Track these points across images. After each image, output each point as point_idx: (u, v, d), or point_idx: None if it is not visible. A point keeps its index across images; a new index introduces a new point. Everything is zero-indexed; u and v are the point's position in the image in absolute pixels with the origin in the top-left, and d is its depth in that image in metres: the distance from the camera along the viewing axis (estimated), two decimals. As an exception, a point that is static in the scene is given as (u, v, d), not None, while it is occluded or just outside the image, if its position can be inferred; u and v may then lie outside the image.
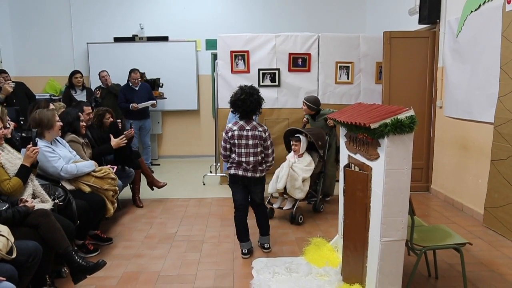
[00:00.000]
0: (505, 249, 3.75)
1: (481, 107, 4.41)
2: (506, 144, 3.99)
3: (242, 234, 3.65)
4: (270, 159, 3.62)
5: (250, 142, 3.48)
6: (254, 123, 3.55)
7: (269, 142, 3.58)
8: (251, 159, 3.49)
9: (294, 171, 4.42)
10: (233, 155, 3.54)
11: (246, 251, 3.62)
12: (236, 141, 3.49)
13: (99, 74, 7.06)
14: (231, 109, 3.61)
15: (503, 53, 4.01)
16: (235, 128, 3.51)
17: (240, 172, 3.54)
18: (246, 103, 3.45)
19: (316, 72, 5.99)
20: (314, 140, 4.48)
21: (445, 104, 5.19)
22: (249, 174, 3.53)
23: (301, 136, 4.54)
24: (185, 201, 5.37)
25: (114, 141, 4.53)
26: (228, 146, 3.56)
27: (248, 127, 3.50)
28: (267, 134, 3.56)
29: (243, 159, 3.49)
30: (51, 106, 4.38)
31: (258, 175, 3.57)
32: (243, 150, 3.49)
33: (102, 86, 6.99)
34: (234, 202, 3.68)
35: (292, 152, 4.67)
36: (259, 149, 3.51)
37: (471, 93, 4.59)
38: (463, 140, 4.83)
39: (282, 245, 3.87)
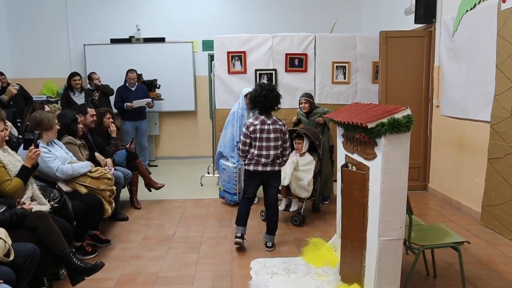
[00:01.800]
0: (503, 247, 3.75)
1: (478, 105, 4.42)
2: (503, 142, 4.00)
3: (242, 218, 3.76)
4: (287, 152, 3.78)
5: (272, 135, 3.61)
6: (274, 117, 3.68)
7: (287, 136, 3.73)
8: (272, 152, 3.61)
9: (298, 171, 4.42)
10: (252, 150, 3.64)
11: (240, 235, 3.72)
12: (258, 135, 3.60)
13: (90, 76, 6.96)
14: (250, 106, 3.68)
15: (499, 52, 4.02)
16: (257, 122, 3.62)
17: (260, 168, 3.63)
18: (267, 98, 3.59)
19: (313, 72, 6.00)
20: (313, 139, 4.48)
21: (441, 103, 5.20)
22: (269, 169, 3.64)
23: (304, 135, 4.54)
24: (182, 202, 5.36)
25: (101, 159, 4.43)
26: (248, 141, 3.66)
27: (269, 121, 3.63)
28: (286, 128, 3.73)
29: (264, 152, 3.60)
30: (46, 108, 4.36)
31: (277, 168, 3.69)
32: (264, 144, 3.60)
33: (90, 88, 6.93)
34: (244, 194, 3.79)
35: (293, 152, 4.66)
36: (279, 143, 3.64)
37: (467, 92, 4.60)
38: (460, 138, 4.84)
39: (281, 246, 3.87)
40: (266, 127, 3.60)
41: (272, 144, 3.60)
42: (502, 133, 4.01)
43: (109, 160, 4.43)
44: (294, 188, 4.37)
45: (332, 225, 4.27)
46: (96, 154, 4.40)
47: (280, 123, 3.66)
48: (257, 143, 3.61)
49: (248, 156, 3.68)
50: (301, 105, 5.01)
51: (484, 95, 4.28)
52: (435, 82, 5.37)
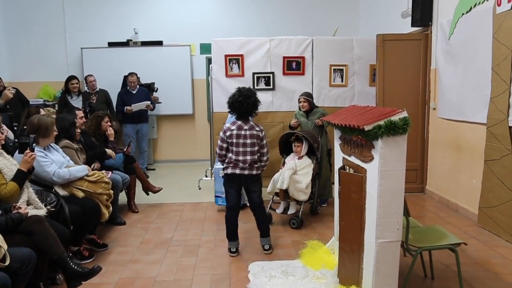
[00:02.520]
0: (500, 248, 3.75)
1: (474, 108, 4.43)
2: (499, 144, 4.00)
3: (232, 233, 3.73)
4: (265, 158, 3.74)
5: (248, 141, 3.59)
6: (251, 123, 3.67)
7: (264, 142, 3.71)
8: (248, 157, 3.59)
9: (296, 174, 4.42)
10: (230, 154, 3.63)
11: (235, 250, 3.71)
12: (234, 140, 3.59)
13: (85, 79, 6.97)
14: (228, 110, 3.69)
15: (495, 55, 4.03)
16: (233, 127, 3.61)
17: (237, 171, 3.62)
18: (243, 105, 3.59)
19: (311, 75, 5.99)
20: (312, 142, 4.48)
21: (438, 105, 5.21)
22: (246, 172, 3.63)
23: (303, 138, 4.54)
24: (180, 205, 5.35)
25: (109, 151, 4.65)
26: (225, 145, 3.66)
27: (246, 127, 3.62)
28: (263, 133, 3.71)
29: (240, 157, 3.58)
30: (42, 112, 4.35)
31: (254, 172, 3.67)
32: (241, 149, 3.59)
33: (87, 90, 6.93)
34: (227, 203, 3.76)
35: (291, 154, 4.66)
36: (256, 148, 3.63)
37: (463, 95, 4.61)
38: (456, 141, 4.84)
39: (278, 248, 3.86)
40: (242, 132, 3.60)
41: (248, 149, 3.59)
42: (498, 135, 4.02)
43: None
44: (292, 191, 4.36)
45: (330, 228, 4.25)
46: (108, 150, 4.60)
47: (257, 128, 3.65)
48: (234, 148, 3.61)
49: (226, 160, 3.68)
50: (300, 104, 5.01)
51: (480, 98, 4.28)
52: (432, 84, 5.38)
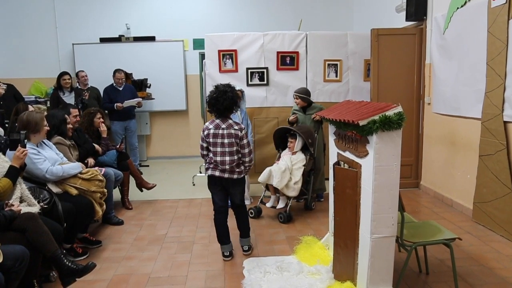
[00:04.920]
0: (494, 243, 3.79)
1: (469, 103, 4.46)
2: (494, 139, 4.04)
3: (223, 236, 3.63)
4: (247, 159, 3.55)
5: (226, 140, 3.44)
6: (230, 121, 3.49)
7: (245, 141, 3.51)
8: (227, 158, 3.44)
9: (291, 169, 4.44)
10: (210, 155, 3.52)
11: (228, 253, 3.60)
12: (211, 139, 3.46)
13: (77, 75, 6.95)
14: (208, 109, 3.56)
15: (489, 49, 4.06)
16: (211, 126, 3.47)
17: (217, 173, 3.50)
18: (219, 101, 3.40)
19: (305, 70, 6.01)
20: (305, 138, 4.50)
21: (433, 100, 5.24)
22: (226, 175, 3.49)
23: (297, 134, 4.55)
24: (174, 202, 5.35)
25: (97, 147, 4.66)
26: (204, 145, 3.53)
27: (223, 126, 3.45)
28: (243, 133, 3.50)
29: (218, 158, 3.45)
30: (30, 108, 4.32)
31: (235, 176, 3.52)
32: (218, 149, 3.45)
33: (79, 87, 6.89)
34: (214, 205, 3.65)
35: (286, 149, 4.68)
36: (235, 149, 3.46)
37: (458, 89, 4.64)
38: (451, 136, 4.88)
39: (273, 244, 3.88)
40: (220, 131, 3.43)
41: (226, 149, 3.43)
42: (492, 130, 4.05)
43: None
44: (282, 186, 4.39)
45: (324, 223, 4.28)
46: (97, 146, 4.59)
47: (235, 127, 3.46)
48: (211, 148, 3.47)
49: (207, 160, 3.57)
50: (295, 101, 5.03)
51: (475, 92, 4.31)
52: (427, 79, 5.41)
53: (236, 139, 3.46)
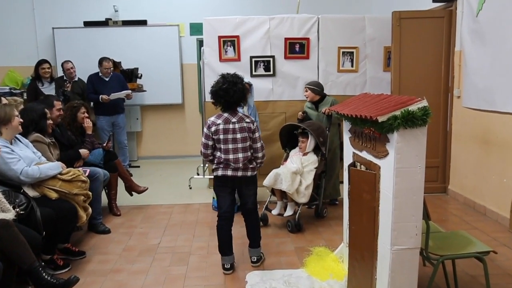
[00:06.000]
0: (533, 257, 3.78)
1: (505, 95, 4.43)
2: (533, 137, 4.01)
3: (225, 246, 3.62)
4: (260, 154, 3.62)
5: (238, 135, 3.46)
6: (240, 114, 3.54)
7: (257, 135, 3.59)
8: (240, 155, 3.47)
9: (301, 172, 4.44)
10: (218, 154, 3.53)
11: (229, 266, 3.60)
12: (221, 136, 3.46)
13: (62, 66, 6.96)
14: (212, 101, 3.59)
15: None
16: (219, 121, 3.48)
17: (229, 173, 3.53)
18: (229, 93, 3.42)
19: (316, 59, 6.00)
20: (316, 136, 4.49)
21: (463, 93, 5.22)
22: (240, 174, 3.53)
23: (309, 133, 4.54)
24: (169, 207, 5.37)
25: (82, 151, 4.61)
26: (210, 143, 3.53)
27: (234, 119, 3.48)
28: (255, 125, 3.57)
29: (231, 156, 3.47)
30: (4, 100, 4.33)
31: (249, 173, 3.57)
32: (230, 146, 3.47)
33: (64, 78, 6.90)
34: (218, 209, 3.66)
35: (296, 149, 4.67)
36: (248, 144, 3.51)
37: (493, 80, 4.61)
38: (484, 133, 4.85)
39: (280, 256, 3.88)
40: (231, 126, 3.46)
41: (239, 145, 3.47)
42: (532, 127, 4.03)
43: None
44: (292, 192, 4.37)
45: (338, 233, 4.27)
46: (81, 150, 4.57)
47: (247, 120, 3.52)
48: (222, 146, 3.47)
49: (215, 160, 3.57)
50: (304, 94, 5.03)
51: (512, 84, 4.29)
52: (456, 69, 5.38)
53: (249, 132, 3.52)
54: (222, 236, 3.63)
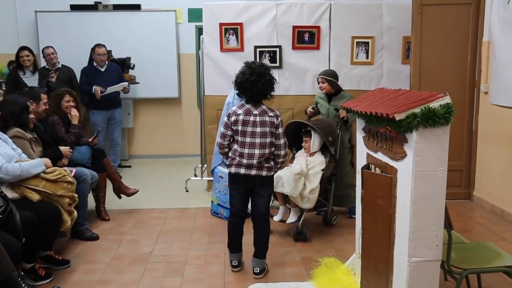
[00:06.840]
0: None
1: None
2: None
3: (235, 242, 3.74)
4: (283, 152, 3.66)
5: (258, 129, 3.53)
6: (264, 107, 3.61)
7: (280, 131, 3.63)
8: (256, 151, 3.53)
9: (306, 174, 4.44)
10: (235, 146, 3.59)
11: (237, 263, 3.72)
12: (240, 127, 3.53)
13: (42, 51, 6.91)
14: (236, 92, 3.65)
15: None
16: (240, 111, 3.56)
17: (242, 171, 3.58)
18: (257, 85, 3.50)
19: (327, 50, 6.00)
20: (323, 135, 4.47)
21: (491, 88, 5.19)
22: (253, 172, 3.58)
23: (312, 131, 4.53)
24: (163, 212, 5.38)
25: (63, 149, 4.57)
26: (229, 133, 3.61)
27: (256, 111, 3.55)
28: (279, 120, 3.62)
29: (245, 150, 3.53)
30: None
31: (264, 173, 3.61)
32: (247, 140, 3.53)
33: (46, 67, 6.89)
34: (230, 206, 3.77)
35: (302, 150, 4.67)
36: (268, 140, 3.55)
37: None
38: (513, 134, 4.84)
39: (285, 267, 3.88)
40: (251, 118, 3.53)
41: (257, 140, 3.53)
42: None
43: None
44: (295, 196, 4.36)
45: (350, 242, 4.27)
46: (62, 147, 4.52)
47: (270, 114, 3.58)
48: (239, 138, 3.55)
49: (230, 155, 3.64)
50: (318, 85, 5.01)
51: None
52: (483, 61, 5.37)
53: (272, 127, 3.57)
54: (234, 232, 3.76)
